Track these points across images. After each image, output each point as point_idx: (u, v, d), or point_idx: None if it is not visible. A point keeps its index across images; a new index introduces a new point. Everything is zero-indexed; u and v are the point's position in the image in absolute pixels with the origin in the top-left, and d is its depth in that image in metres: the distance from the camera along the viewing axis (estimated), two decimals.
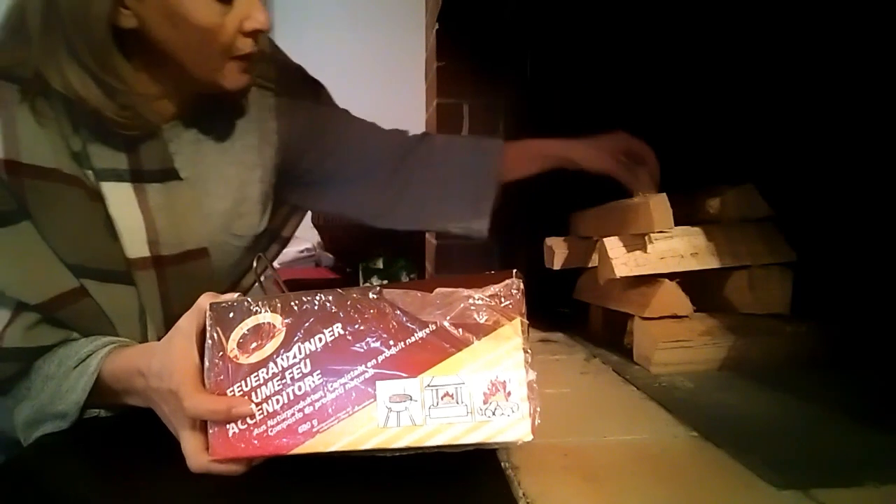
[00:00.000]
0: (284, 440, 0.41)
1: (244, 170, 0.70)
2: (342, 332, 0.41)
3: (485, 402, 0.39)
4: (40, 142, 0.55)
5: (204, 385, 0.43)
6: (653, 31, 1.00)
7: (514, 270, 0.41)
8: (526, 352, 0.39)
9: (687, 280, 0.76)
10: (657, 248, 0.74)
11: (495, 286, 0.40)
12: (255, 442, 0.41)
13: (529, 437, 0.39)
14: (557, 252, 0.91)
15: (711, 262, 0.75)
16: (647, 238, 0.74)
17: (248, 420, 0.41)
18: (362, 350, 0.41)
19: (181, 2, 0.54)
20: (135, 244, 0.59)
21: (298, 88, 0.77)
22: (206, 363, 0.43)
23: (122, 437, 0.55)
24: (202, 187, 0.66)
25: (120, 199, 0.59)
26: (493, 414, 0.39)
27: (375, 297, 0.42)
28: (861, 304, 0.72)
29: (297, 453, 0.41)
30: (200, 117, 0.66)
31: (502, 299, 0.40)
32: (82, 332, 0.58)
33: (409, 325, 0.40)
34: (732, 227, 0.77)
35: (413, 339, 0.40)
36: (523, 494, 0.42)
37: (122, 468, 0.49)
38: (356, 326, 0.41)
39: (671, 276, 0.75)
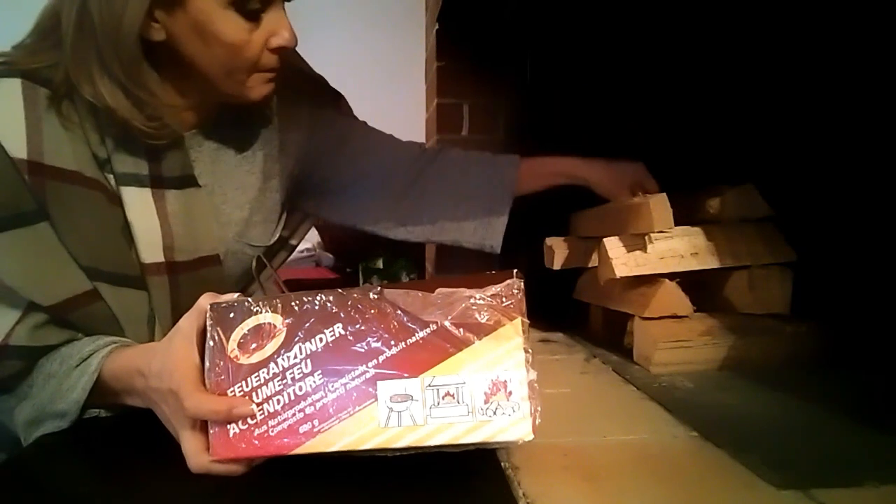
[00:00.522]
0: (285, 440, 0.41)
1: (262, 179, 0.70)
2: (343, 332, 0.41)
3: (486, 402, 0.39)
4: (64, 144, 0.56)
5: (204, 385, 0.43)
6: (653, 30, 1.00)
7: (515, 270, 0.41)
8: (527, 351, 0.39)
9: (687, 280, 0.76)
10: (657, 248, 0.74)
11: (496, 286, 0.40)
12: (256, 442, 0.41)
13: (530, 437, 0.39)
14: (557, 252, 0.91)
15: (711, 262, 0.75)
16: (647, 238, 0.74)
17: (249, 420, 0.41)
18: (363, 350, 0.41)
19: (210, 19, 0.54)
20: (150, 249, 0.60)
21: (319, 99, 0.78)
22: (207, 363, 0.43)
23: (122, 437, 0.55)
24: (220, 195, 0.67)
25: (139, 204, 0.59)
26: (494, 413, 0.39)
27: (376, 297, 0.42)
28: (861, 304, 0.72)
29: (298, 453, 0.41)
30: (220, 126, 0.67)
31: (503, 299, 0.40)
32: (90, 334, 0.58)
33: (409, 324, 0.40)
34: (732, 227, 0.77)
35: (414, 338, 0.40)
36: (523, 494, 0.42)
37: (122, 468, 0.49)
38: (357, 326, 0.41)
39: (671, 276, 0.75)
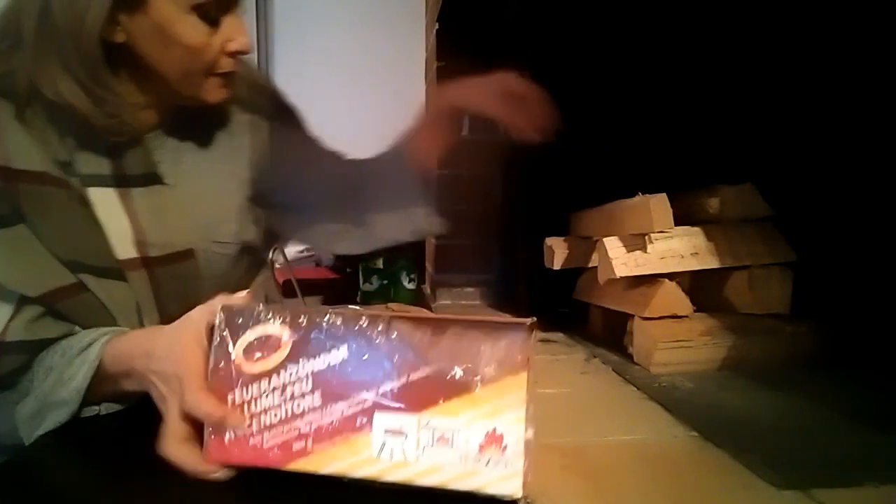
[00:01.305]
0: (278, 454, 0.41)
1: (222, 179, 0.71)
2: (347, 356, 0.41)
3: (479, 452, 0.38)
4: (31, 147, 0.57)
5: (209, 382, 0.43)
6: (653, 30, 1.00)
7: (531, 321, 0.39)
8: (527, 408, 0.39)
9: (687, 280, 0.76)
10: (657, 248, 0.74)
11: (508, 335, 0.39)
12: (250, 452, 0.42)
13: (519, 495, 0.38)
14: (557, 252, 0.91)
15: (711, 262, 0.75)
16: (647, 238, 0.74)
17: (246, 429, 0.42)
18: (365, 378, 0.40)
19: (171, 22, 0.56)
20: (123, 245, 0.61)
21: (274, 110, 0.80)
22: (211, 363, 0.43)
23: (122, 437, 0.55)
24: (184, 192, 0.68)
25: (105, 203, 0.60)
26: (487, 465, 0.38)
27: (386, 326, 0.41)
28: (861, 304, 0.72)
29: (290, 469, 0.41)
30: (182, 126, 0.68)
31: (512, 351, 0.39)
32: (84, 326, 0.59)
33: (415, 361, 0.40)
34: (732, 227, 0.77)
35: (417, 375, 0.40)
36: (524, 494, 0.42)
37: (122, 468, 0.49)
38: (362, 353, 0.41)
39: (671, 276, 0.75)
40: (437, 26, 1.15)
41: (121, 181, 0.62)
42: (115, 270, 0.61)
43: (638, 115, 1.01)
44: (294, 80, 2.16)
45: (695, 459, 0.48)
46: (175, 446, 0.44)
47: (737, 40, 0.91)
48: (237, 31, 0.60)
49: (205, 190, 0.69)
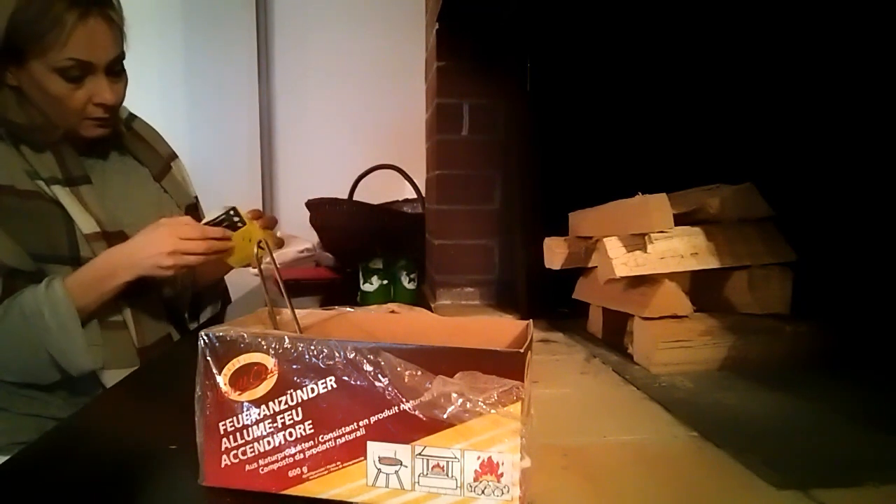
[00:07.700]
0: (274, 481, 0.41)
1: (132, 183, 0.99)
2: (335, 385, 0.41)
3: (475, 480, 0.39)
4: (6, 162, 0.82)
5: (195, 408, 0.43)
6: (653, 30, 1.00)
7: (525, 347, 0.39)
8: (522, 437, 0.38)
9: (687, 280, 0.76)
10: (657, 248, 0.74)
11: (501, 364, 0.39)
12: (246, 477, 0.42)
13: None
14: (557, 252, 0.91)
15: (711, 262, 0.75)
16: (647, 238, 0.74)
17: (241, 456, 0.42)
18: (356, 408, 0.40)
19: (41, 78, 0.81)
20: (87, 224, 0.85)
21: (161, 174, 1.05)
22: (199, 392, 0.43)
23: (121, 437, 0.55)
24: (107, 189, 0.93)
25: (64, 196, 0.84)
26: (483, 493, 0.39)
27: (374, 355, 0.40)
28: (861, 304, 0.72)
29: (287, 494, 0.41)
30: (86, 146, 0.92)
31: (507, 382, 0.38)
32: None
33: (406, 391, 0.40)
34: (732, 227, 0.77)
35: (409, 405, 0.39)
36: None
37: (121, 468, 0.49)
38: (352, 382, 0.40)
39: (671, 276, 0.75)
40: (437, 26, 1.15)
41: (69, 181, 0.86)
42: (68, 258, 0.83)
43: (638, 115, 1.01)
44: (294, 81, 2.17)
45: (695, 459, 0.48)
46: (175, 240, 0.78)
47: (737, 40, 0.91)
48: (100, 88, 0.84)
49: (121, 188, 0.96)
